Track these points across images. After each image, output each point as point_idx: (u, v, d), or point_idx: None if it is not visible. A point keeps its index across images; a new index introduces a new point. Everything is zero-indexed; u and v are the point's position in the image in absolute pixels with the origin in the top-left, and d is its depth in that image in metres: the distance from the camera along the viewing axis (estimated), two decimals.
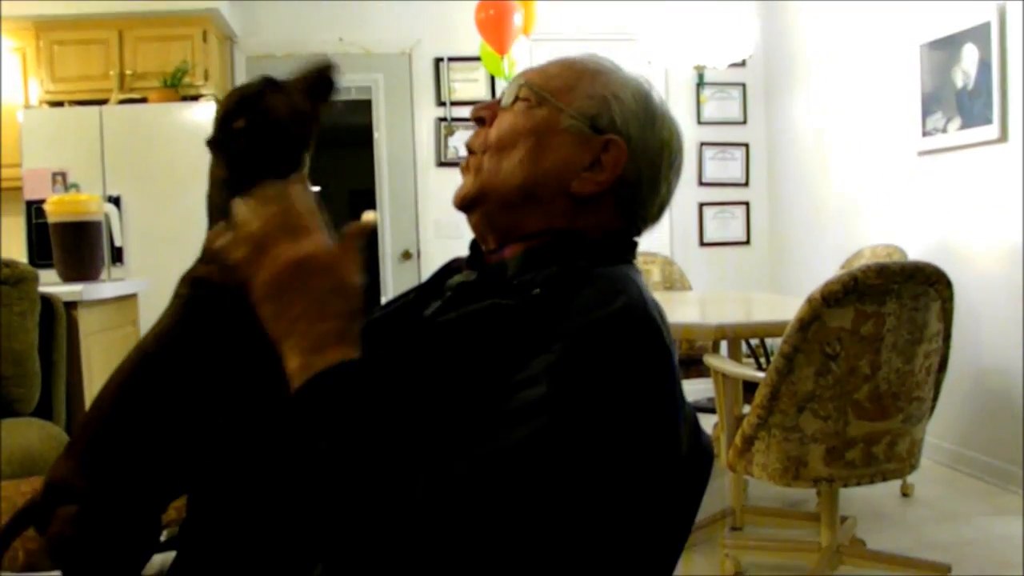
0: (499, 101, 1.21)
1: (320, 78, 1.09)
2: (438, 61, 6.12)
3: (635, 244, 1.21)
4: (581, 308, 0.99)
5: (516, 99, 1.18)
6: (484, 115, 1.21)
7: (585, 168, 1.14)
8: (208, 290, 1.06)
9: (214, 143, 1.07)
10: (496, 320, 1.01)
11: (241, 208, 1.00)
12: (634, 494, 0.97)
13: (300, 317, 0.96)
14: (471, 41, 5.26)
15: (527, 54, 5.21)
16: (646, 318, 0.99)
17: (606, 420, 0.93)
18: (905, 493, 3.91)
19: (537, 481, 0.89)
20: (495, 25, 4.79)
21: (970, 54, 4.08)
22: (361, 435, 0.91)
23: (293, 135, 1.08)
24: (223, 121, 1.07)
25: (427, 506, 0.87)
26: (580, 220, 1.15)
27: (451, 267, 1.28)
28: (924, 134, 4.46)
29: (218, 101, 1.07)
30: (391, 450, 0.91)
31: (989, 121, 3.97)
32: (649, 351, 0.98)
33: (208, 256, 1.07)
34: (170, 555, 1.17)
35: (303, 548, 0.98)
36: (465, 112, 6.08)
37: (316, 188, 1.08)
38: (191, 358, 1.07)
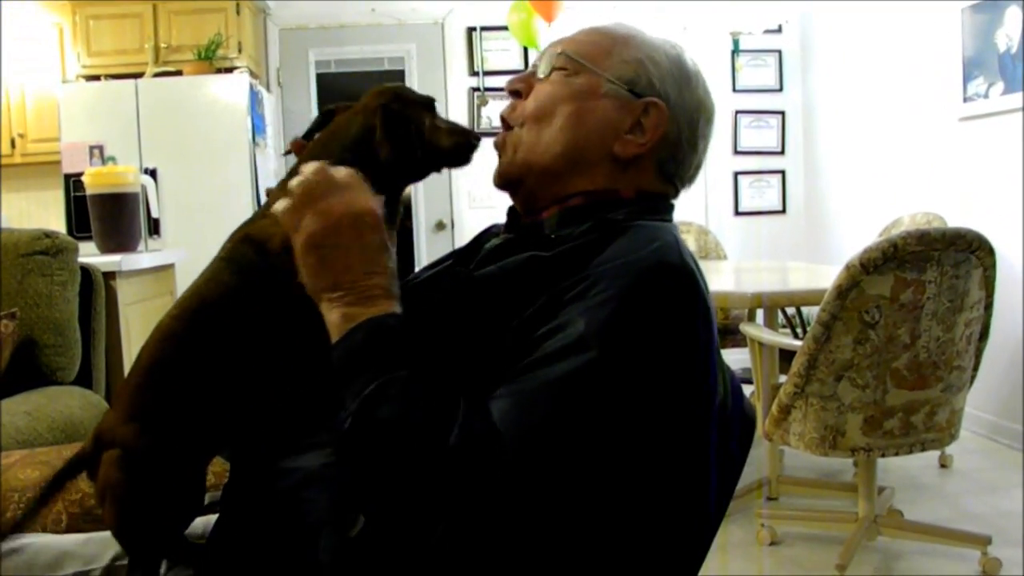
0: (534, 73, 1.21)
1: (469, 140, 1.16)
2: (471, 31, 6.09)
3: (672, 204, 1.22)
4: (616, 253, 1.00)
5: (552, 69, 1.18)
6: (520, 88, 1.21)
7: (627, 131, 1.15)
8: (257, 248, 1.07)
9: (387, 109, 1.12)
10: (535, 270, 1.02)
11: (293, 182, 1.03)
12: (669, 428, 0.98)
13: (348, 269, 0.98)
14: (503, 10, 5.23)
15: (558, 23, 5.16)
16: (679, 262, 1.01)
17: (641, 359, 0.94)
18: (943, 464, 3.88)
19: (574, 416, 0.91)
20: None
21: (1013, 16, 3.99)
22: (415, 375, 0.93)
23: (419, 158, 1.15)
24: (393, 99, 1.13)
25: (468, 446, 0.89)
26: (621, 181, 1.16)
27: (489, 232, 1.29)
28: (965, 99, 4.37)
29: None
30: (442, 391, 0.93)
31: None
32: (681, 293, 0.99)
33: (263, 214, 1.09)
34: (212, 518, 1.18)
35: (348, 502, 0.99)
36: (499, 82, 6.06)
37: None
38: (240, 315, 1.08)
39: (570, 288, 0.98)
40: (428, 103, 1.16)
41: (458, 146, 1.15)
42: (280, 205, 1.02)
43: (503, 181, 1.20)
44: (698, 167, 1.23)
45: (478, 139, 1.17)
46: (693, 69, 1.21)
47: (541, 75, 1.20)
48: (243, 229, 1.11)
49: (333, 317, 0.97)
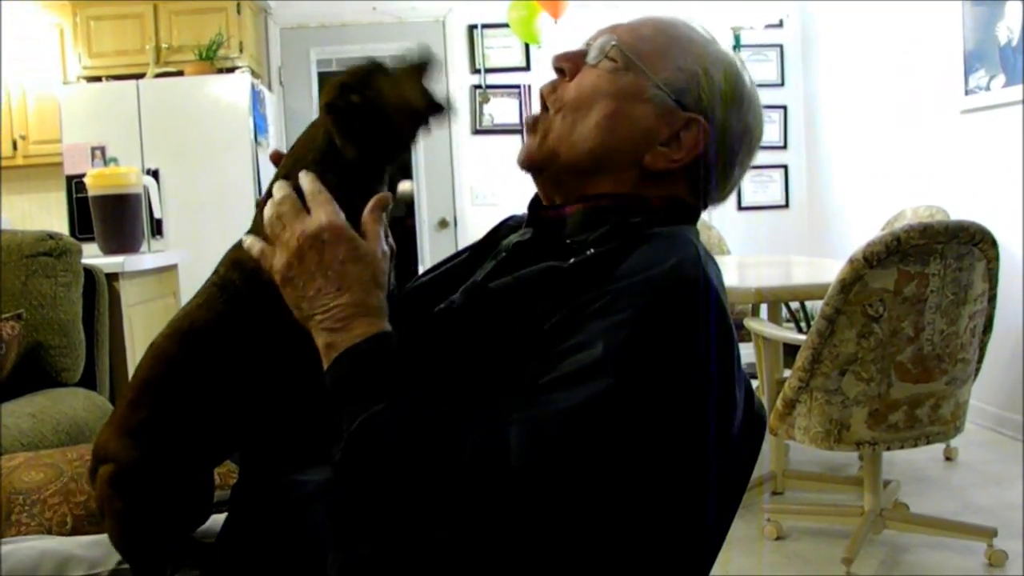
0: (584, 53, 1.14)
1: (422, 67, 1.09)
2: (472, 28, 6.08)
3: (698, 211, 1.17)
4: (634, 267, 0.97)
5: (603, 57, 1.11)
6: (566, 67, 1.15)
7: (662, 142, 1.09)
8: (247, 273, 1.06)
9: (333, 107, 1.06)
10: (551, 283, 0.99)
11: (261, 215, 1.02)
12: (683, 452, 0.96)
13: (319, 292, 0.97)
14: (504, 7, 5.22)
15: (564, 19, 5.15)
16: (700, 277, 0.97)
17: (660, 382, 0.92)
18: (948, 457, 3.88)
19: (590, 445, 0.89)
20: None
21: (1014, 9, 3.98)
22: (394, 408, 0.91)
23: (396, 130, 1.08)
24: (340, 91, 1.06)
25: (479, 473, 0.88)
26: (648, 190, 1.11)
27: (507, 224, 1.25)
28: (967, 92, 4.37)
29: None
30: (432, 419, 0.91)
31: None
32: (701, 311, 0.96)
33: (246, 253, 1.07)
34: (220, 517, 1.18)
35: (351, 527, 0.99)
36: (500, 79, 6.07)
37: (408, 183, 1.08)
38: (230, 341, 1.07)
39: (590, 303, 0.94)
40: (374, 68, 1.08)
41: (427, 95, 1.08)
42: (249, 242, 1.02)
43: (527, 164, 1.15)
44: (731, 190, 1.18)
45: (430, 58, 1.10)
46: (749, 92, 1.14)
47: (591, 60, 1.12)
48: (234, 252, 1.09)
49: (319, 344, 0.97)
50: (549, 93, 1.15)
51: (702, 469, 0.99)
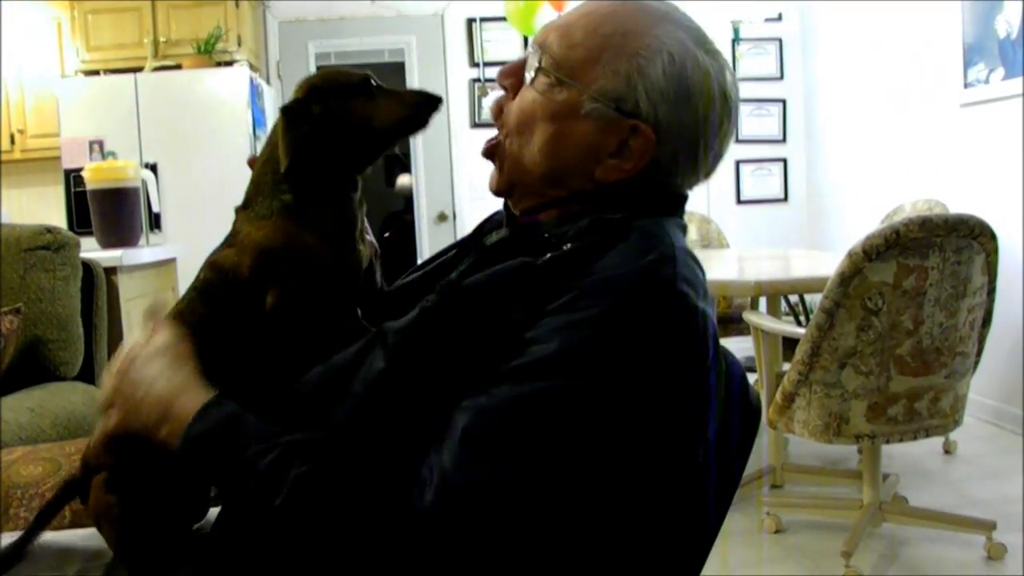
0: (524, 64, 1.09)
1: (421, 107, 1.08)
2: (470, 22, 6.08)
3: (684, 197, 1.12)
4: (605, 265, 0.95)
5: (537, 71, 1.06)
6: (507, 84, 1.11)
7: (611, 154, 1.04)
8: (224, 277, 1.08)
9: (288, 111, 1.06)
10: (524, 278, 0.97)
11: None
12: (648, 455, 0.95)
13: (140, 405, 1.01)
14: (502, 0, 5.21)
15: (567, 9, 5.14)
16: (670, 279, 0.95)
17: (614, 385, 0.91)
18: (947, 450, 3.88)
19: (531, 437, 0.89)
20: None
21: (1013, 3, 3.97)
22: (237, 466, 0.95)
23: (357, 149, 1.08)
24: (306, 96, 1.06)
25: (427, 464, 0.89)
26: (612, 197, 1.06)
27: (492, 220, 1.24)
28: (966, 85, 4.36)
29: (300, 85, 1.05)
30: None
31: None
32: (667, 316, 0.93)
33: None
34: (214, 511, 1.18)
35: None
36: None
37: (407, 176, 1.09)
38: (212, 343, 1.08)
39: (555, 298, 0.93)
40: (356, 87, 1.07)
41: (403, 120, 1.08)
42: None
43: (496, 192, 1.14)
44: (710, 171, 1.11)
45: (434, 100, 1.08)
46: (696, 79, 1.03)
47: (526, 80, 1.08)
48: (212, 256, 1.11)
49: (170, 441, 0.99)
50: (497, 116, 1.12)
51: (671, 466, 0.98)
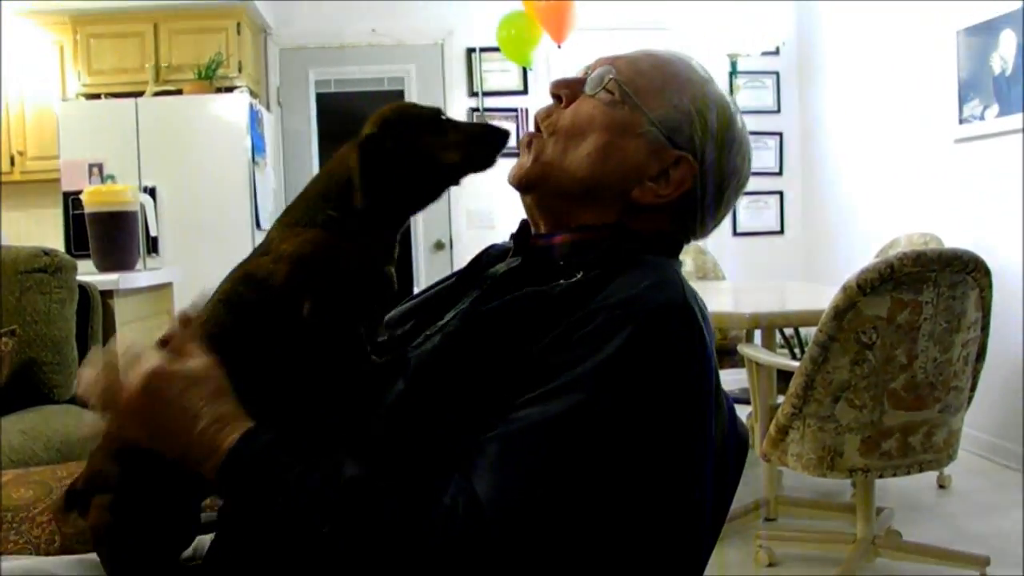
0: (582, 81, 1.16)
1: (489, 144, 1.08)
2: (470, 51, 6.12)
3: (681, 244, 1.20)
4: (624, 290, 0.98)
5: (600, 89, 1.13)
6: (564, 94, 1.17)
7: (651, 178, 1.12)
8: (259, 286, 1.05)
9: (364, 146, 1.04)
10: (541, 306, 1.00)
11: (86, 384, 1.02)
12: (663, 472, 0.96)
13: (176, 433, 0.96)
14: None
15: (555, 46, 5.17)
16: (688, 304, 0.99)
17: (643, 404, 0.93)
18: (942, 484, 3.87)
19: (562, 456, 0.90)
20: (557, 13, 4.71)
21: (1008, 39, 4.01)
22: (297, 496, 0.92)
23: (425, 184, 1.08)
24: (380, 131, 1.05)
25: (456, 486, 0.89)
26: (633, 223, 1.13)
27: (489, 253, 1.26)
28: (961, 121, 4.39)
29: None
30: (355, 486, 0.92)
31: None
32: (685, 336, 0.97)
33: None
34: (207, 538, 1.18)
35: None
36: (498, 102, 6.09)
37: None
38: (239, 353, 1.05)
39: (579, 324, 0.96)
40: (428, 122, 1.07)
41: (472, 156, 1.07)
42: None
43: (518, 182, 1.16)
44: (716, 226, 1.22)
45: (502, 136, 1.08)
46: (740, 136, 1.17)
47: (588, 90, 1.14)
48: (242, 267, 1.08)
49: (205, 471, 0.96)
50: (544, 117, 1.17)
51: (681, 490, 1.00)
